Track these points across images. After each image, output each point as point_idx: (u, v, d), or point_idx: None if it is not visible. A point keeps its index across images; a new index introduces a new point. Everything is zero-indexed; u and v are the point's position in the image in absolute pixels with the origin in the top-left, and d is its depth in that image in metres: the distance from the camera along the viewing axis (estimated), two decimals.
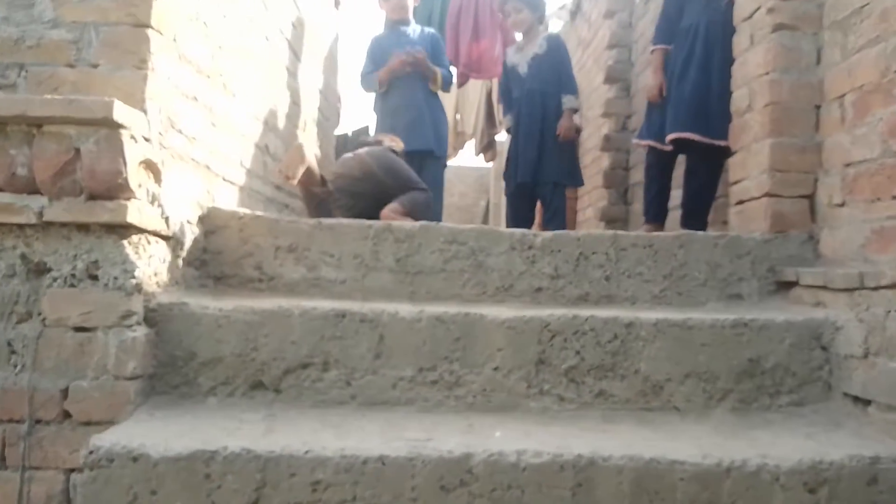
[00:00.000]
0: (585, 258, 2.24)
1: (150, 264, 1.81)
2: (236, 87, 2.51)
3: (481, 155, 8.44)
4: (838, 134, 2.15)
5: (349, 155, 3.17)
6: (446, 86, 4.02)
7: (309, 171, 2.90)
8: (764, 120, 2.32)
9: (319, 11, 4.02)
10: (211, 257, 2.23)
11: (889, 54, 1.90)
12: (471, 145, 8.71)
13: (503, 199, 11.35)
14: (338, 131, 5.06)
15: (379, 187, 3.01)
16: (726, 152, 2.74)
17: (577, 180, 3.99)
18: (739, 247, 2.25)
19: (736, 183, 2.51)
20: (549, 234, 2.25)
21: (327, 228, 2.24)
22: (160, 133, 1.85)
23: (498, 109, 8.28)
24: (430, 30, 4.27)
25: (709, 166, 2.98)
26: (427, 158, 3.83)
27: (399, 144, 3.27)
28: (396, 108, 3.85)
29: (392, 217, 2.84)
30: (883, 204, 1.90)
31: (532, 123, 3.71)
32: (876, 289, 1.72)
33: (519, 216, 3.83)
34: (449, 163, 8.69)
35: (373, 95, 4.06)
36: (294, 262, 2.23)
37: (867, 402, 1.74)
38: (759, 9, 2.38)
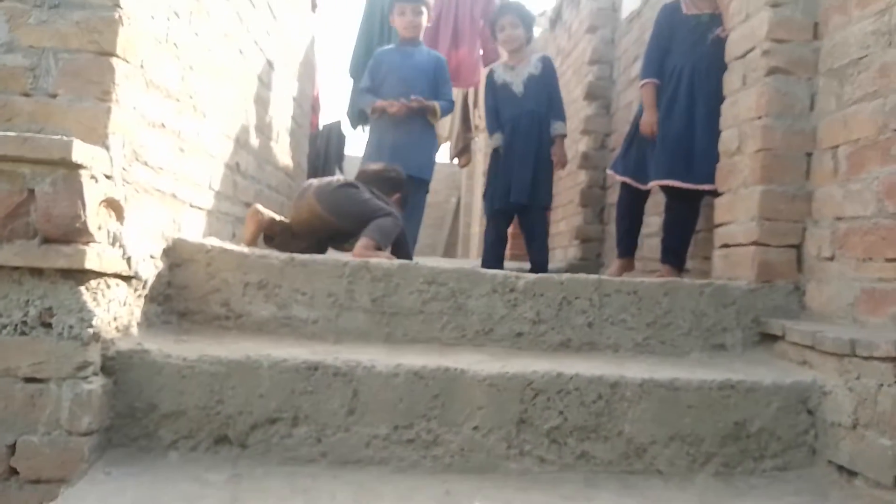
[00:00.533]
0: (568, 303, 2.17)
1: (110, 309, 1.68)
2: (207, 107, 2.38)
3: (455, 160, 8.35)
4: (830, 185, 2.10)
5: (301, 191, 2.92)
6: (445, 115, 3.90)
7: (270, 223, 2.75)
8: (755, 165, 2.26)
9: (295, 17, 3.88)
10: (176, 292, 2.11)
11: (888, 112, 1.85)
12: (445, 148, 8.62)
13: (475, 198, 11.28)
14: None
15: (335, 227, 2.83)
16: (708, 191, 2.70)
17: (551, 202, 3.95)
18: (725, 296, 2.20)
19: (722, 225, 2.46)
20: (531, 277, 2.17)
21: (300, 265, 2.13)
22: (124, 168, 1.72)
23: (474, 114, 8.20)
24: (436, 53, 4.11)
25: (689, 205, 2.94)
26: (413, 183, 3.74)
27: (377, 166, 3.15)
28: (387, 129, 3.73)
29: (365, 254, 2.73)
30: (875, 265, 1.86)
31: (529, 144, 3.60)
32: (868, 359, 1.67)
33: (499, 238, 3.74)
34: None
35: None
36: (264, 300, 2.12)
37: (854, 474, 1.70)
38: (753, 49, 2.32)
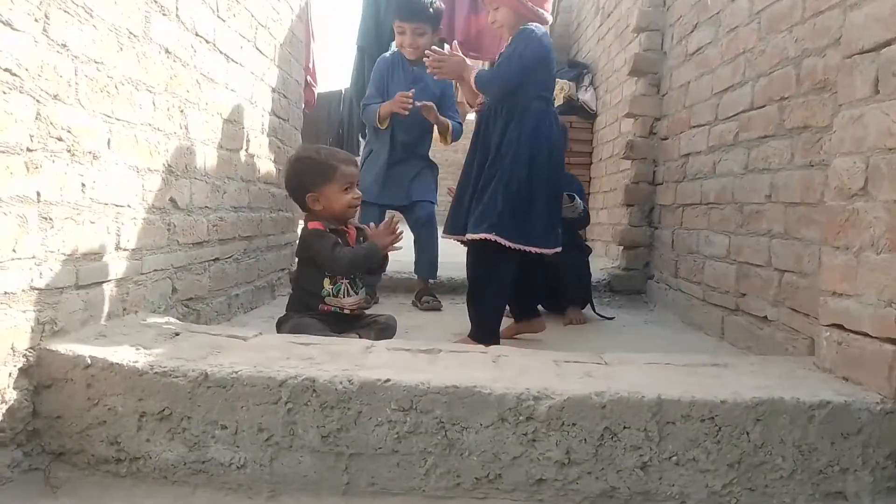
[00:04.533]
0: (613, 436, 1.47)
1: None
2: (101, 143, 1.70)
3: None
4: None
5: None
6: (456, 139, 3.46)
7: None
8: (893, 220, 1.50)
9: None
10: (46, 425, 1.49)
11: None
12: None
13: None
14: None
15: None
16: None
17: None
18: (846, 422, 1.48)
19: (834, 295, 1.72)
20: (559, 399, 1.48)
21: (217, 386, 1.47)
22: None
23: None
24: None
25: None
26: (423, 207, 3.52)
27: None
28: (388, 162, 3.42)
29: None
30: None
31: None
32: None
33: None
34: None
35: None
36: (168, 436, 1.47)
37: None
38: (893, 42, 1.53)
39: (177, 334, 1.83)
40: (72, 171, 1.59)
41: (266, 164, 3.23)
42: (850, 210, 1.67)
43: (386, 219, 2.45)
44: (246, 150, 2.90)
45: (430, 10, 3.38)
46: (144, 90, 1.93)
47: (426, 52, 2.62)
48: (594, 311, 3.30)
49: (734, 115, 2.80)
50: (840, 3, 2.05)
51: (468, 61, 2.61)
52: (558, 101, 5.72)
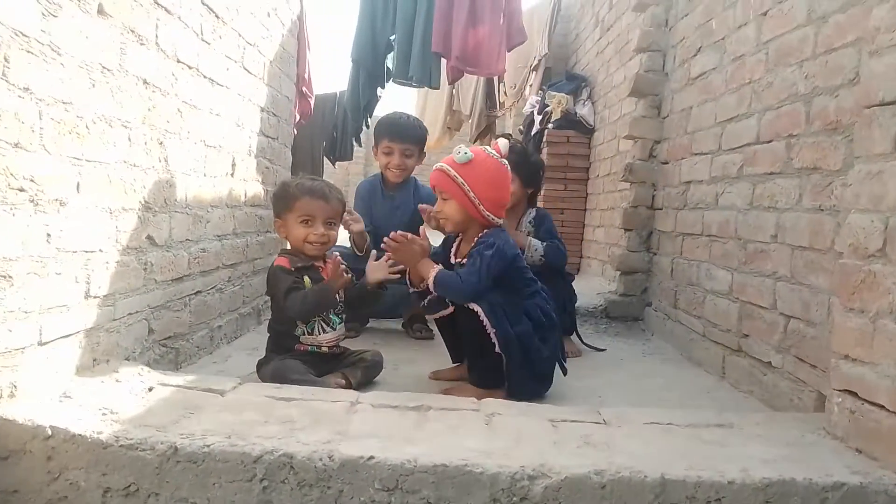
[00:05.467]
0: None
1: None
2: (69, 188, 1.59)
3: (477, 142, 7.44)
4: None
5: None
6: None
7: None
8: None
9: (260, 4, 3.02)
10: (2, 500, 1.37)
11: None
12: (467, 128, 7.70)
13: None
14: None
15: None
16: None
17: None
18: None
19: (846, 359, 1.62)
20: (555, 479, 1.37)
21: (187, 461, 1.36)
22: None
23: (499, 90, 7.25)
24: (426, 188, 3.28)
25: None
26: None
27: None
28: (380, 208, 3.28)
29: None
30: None
31: None
32: None
33: None
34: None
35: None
36: None
37: None
38: None
39: (150, 389, 1.73)
40: (35, 223, 1.48)
41: (254, 187, 3.12)
42: (866, 272, 1.57)
43: (335, 258, 2.31)
44: (232, 174, 2.79)
45: (420, 130, 3.32)
46: (119, 126, 1.82)
47: (389, 237, 2.28)
48: (581, 341, 3.18)
49: (738, 147, 2.70)
50: (855, 42, 1.96)
51: (426, 247, 2.33)
52: (555, 115, 5.63)
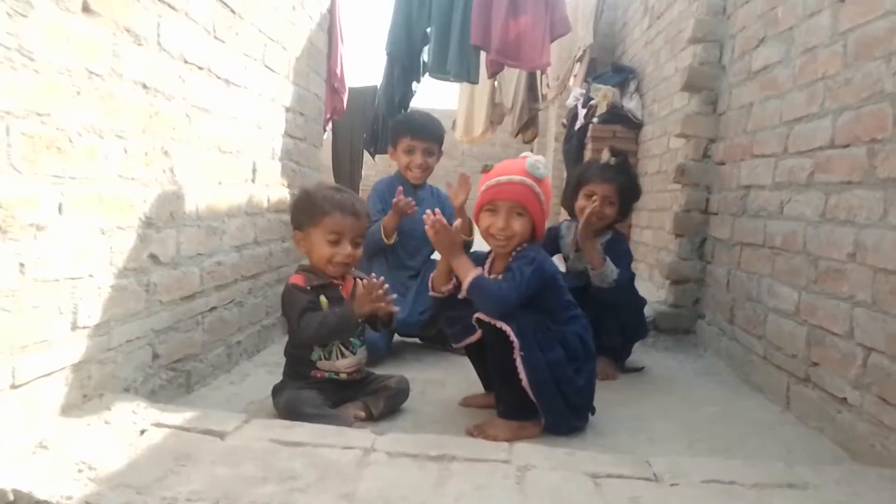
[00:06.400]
0: None
1: None
2: (44, 213, 1.42)
3: (519, 135, 7.17)
4: None
5: None
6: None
7: None
8: None
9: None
10: None
11: None
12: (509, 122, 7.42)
13: (551, 153, 9.98)
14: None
15: None
16: None
17: None
18: None
19: None
20: None
21: None
22: None
23: (542, 81, 6.96)
24: (443, 193, 3.16)
25: None
26: None
27: None
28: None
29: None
30: None
31: None
32: None
33: None
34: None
35: None
36: None
37: None
38: None
39: (142, 432, 1.55)
40: (5, 252, 1.31)
41: (278, 192, 2.94)
42: None
43: (370, 277, 2.06)
44: (252, 180, 2.61)
45: (440, 129, 3.15)
46: (113, 137, 1.64)
47: (429, 213, 2.06)
48: (622, 366, 2.91)
49: (808, 151, 2.40)
50: None
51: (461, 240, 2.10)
52: (601, 109, 5.33)
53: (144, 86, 1.77)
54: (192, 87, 2.03)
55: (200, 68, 2.08)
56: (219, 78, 2.22)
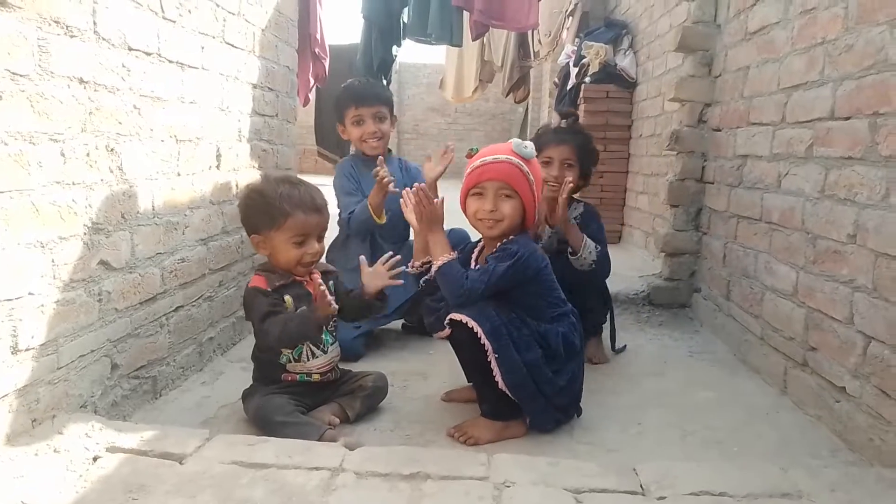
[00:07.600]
0: None
1: None
2: None
3: (510, 95, 6.96)
4: None
5: None
6: None
7: None
8: None
9: None
10: None
11: None
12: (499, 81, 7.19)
13: (545, 110, 9.70)
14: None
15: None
16: None
17: None
18: None
19: None
20: None
21: None
22: None
23: (534, 38, 6.71)
24: (414, 164, 3.05)
25: None
26: None
27: None
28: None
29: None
30: None
31: None
32: None
33: None
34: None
35: None
36: None
37: None
38: None
39: (94, 460, 1.46)
40: None
41: (247, 175, 2.79)
42: None
43: (323, 286, 1.88)
44: (217, 166, 2.47)
45: (386, 91, 2.96)
46: (46, 141, 1.50)
47: (408, 190, 1.97)
48: (612, 346, 2.78)
49: (807, 122, 2.25)
50: None
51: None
52: (593, 68, 5.13)
53: (81, 80, 1.62)
54: (139, 75, 1.88)
55: (148, 54, 1.92)
56: (170, 62, 2.06)
